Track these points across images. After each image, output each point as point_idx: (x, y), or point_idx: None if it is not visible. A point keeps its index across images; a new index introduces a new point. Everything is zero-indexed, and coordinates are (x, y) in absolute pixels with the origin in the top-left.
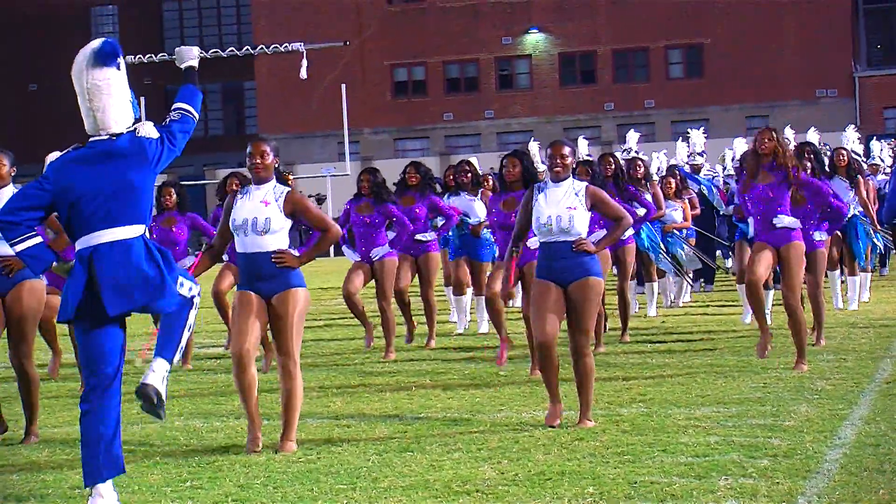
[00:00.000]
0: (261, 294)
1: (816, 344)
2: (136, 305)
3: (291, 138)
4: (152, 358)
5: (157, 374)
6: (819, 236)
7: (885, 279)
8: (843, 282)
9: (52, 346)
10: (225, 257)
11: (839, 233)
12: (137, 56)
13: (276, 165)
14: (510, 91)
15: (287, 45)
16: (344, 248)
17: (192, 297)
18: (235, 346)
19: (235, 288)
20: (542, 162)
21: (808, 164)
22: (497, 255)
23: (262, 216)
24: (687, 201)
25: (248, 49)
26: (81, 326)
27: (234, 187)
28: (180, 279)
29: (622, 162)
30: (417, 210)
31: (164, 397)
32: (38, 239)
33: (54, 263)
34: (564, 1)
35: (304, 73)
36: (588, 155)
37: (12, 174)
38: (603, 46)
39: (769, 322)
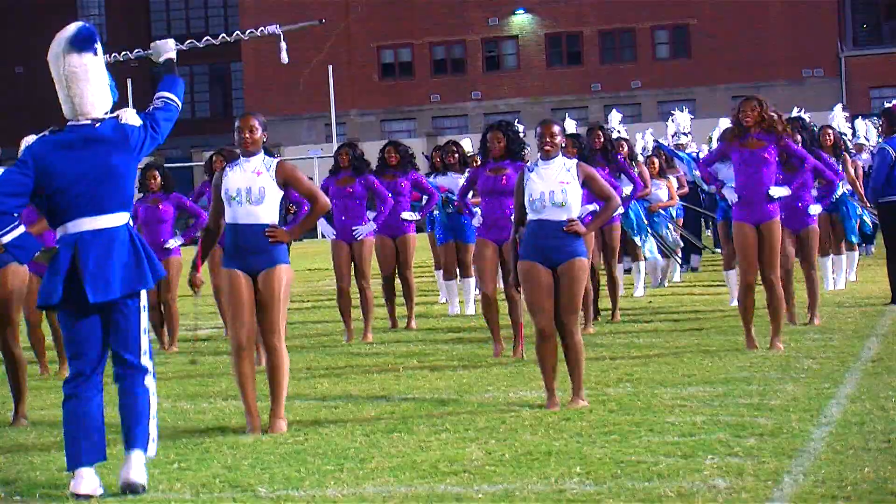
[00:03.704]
0: (248, 269)
1: (810, 322)
2: (118, 295)
3: (278, 120)
4: (125, 450)
5: (138, 468)
6: (814, 209)
7: (870, 258)
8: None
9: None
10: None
11: (828, 213)
12: (113, 54)
13: (264, 140)
14: (497, 72)
15: (263, 28)
16: (321, 221)
17: (150, 372)
18: (234, 337)
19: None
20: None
21: (799, 138)
22: (480, 221)
23: (256, 185)
24: (675, 179)
25: (224, 37)
26: (65, 312)
27: (220, 164)
28: (144, 347)
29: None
30: (402, 184)
31: (146, 485)
32: (23, 228)
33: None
34: None
35: (284, 58)
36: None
37: None
38: (589, 27)
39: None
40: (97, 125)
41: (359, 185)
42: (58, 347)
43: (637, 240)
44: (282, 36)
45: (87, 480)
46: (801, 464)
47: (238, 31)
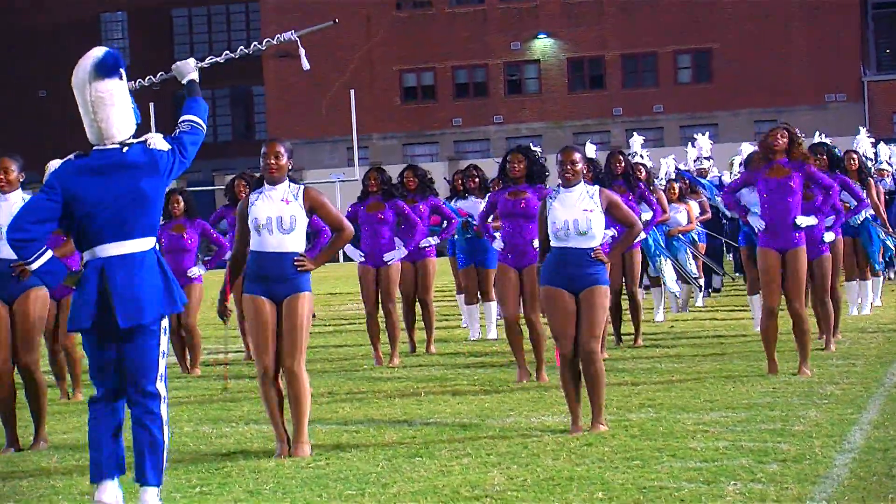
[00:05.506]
0: (271, 295)
1: (826, 349)
2: (148, 320)
3: (301, 144)
4: (137, 483)
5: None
6: (828, 237)
7: (894, 284)
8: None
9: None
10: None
11: (851, 239)
12: (137, 80)
13: (290, 167)
14: (519, 96)
15: (279, 36)
16: (348, 247)
17: (164, 398)
18: (259, 363)
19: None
20: None
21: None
22: (502, 246)
23: (286, 214)
24: (697, 205)
25: (242, 50)
26: (92, 338)
27: (242, 189)
28: (160, 371)
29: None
30: (421, 209)
31: None
32: (50, 253)
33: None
34: (573, 6)
35: (305, 65)
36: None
37: (21, 179)
38: (611, 51)
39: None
40: (125, 150)
41: (389, 210)
42: (73, 372)
43: (654, 267)
44: (299, 42)
45: (110, 490)
46: (824, 490)
47: (255, 43)
